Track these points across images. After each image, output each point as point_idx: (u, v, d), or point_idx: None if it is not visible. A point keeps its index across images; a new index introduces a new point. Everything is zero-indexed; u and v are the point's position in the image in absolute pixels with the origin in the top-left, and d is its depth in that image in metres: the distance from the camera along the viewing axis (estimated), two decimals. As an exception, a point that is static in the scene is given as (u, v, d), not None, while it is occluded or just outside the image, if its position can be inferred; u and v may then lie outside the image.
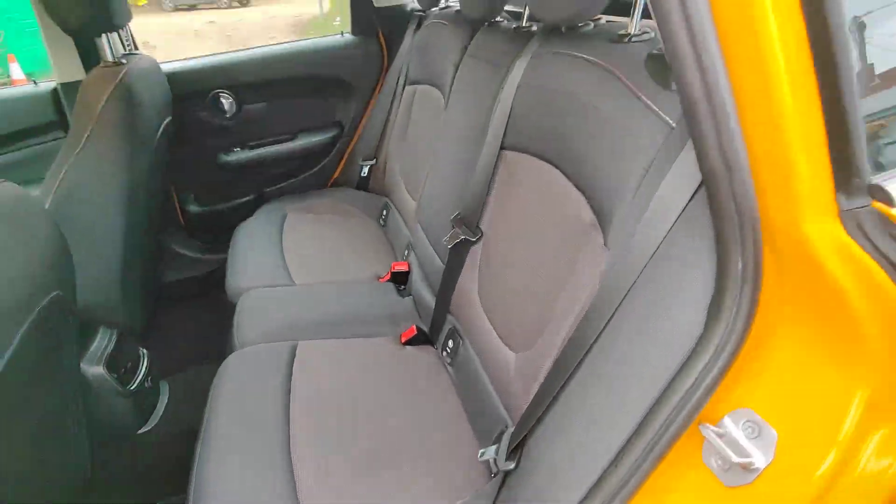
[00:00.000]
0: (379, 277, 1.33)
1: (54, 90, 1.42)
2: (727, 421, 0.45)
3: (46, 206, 0.89)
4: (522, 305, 0.82)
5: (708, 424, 0.45)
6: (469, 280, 0.99)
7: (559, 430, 0.59)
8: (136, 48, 1.50)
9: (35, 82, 1.45)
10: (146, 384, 1.09)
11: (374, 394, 0.94)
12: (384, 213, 1.59)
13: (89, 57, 1.33)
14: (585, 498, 0.50)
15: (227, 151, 1.67)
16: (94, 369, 0.96)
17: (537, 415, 0.63)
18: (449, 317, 1.06)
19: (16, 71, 6.17)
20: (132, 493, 1.08)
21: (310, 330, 1.08)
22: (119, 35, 1.30)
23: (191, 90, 1.51)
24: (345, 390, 0.94)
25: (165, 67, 1.40)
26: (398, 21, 1.63)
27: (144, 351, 1.13)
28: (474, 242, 0.98)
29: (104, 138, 0.99)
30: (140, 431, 1.06)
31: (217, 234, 1.60)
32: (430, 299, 1.12)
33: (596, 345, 0.57)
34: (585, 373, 0.58)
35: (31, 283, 0.62)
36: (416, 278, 1.22)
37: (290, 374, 0.95)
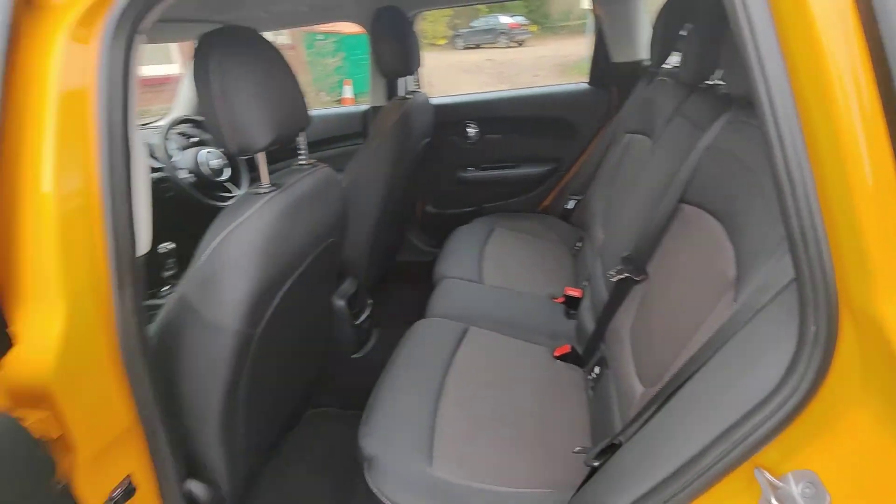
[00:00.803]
0: (554, 297, 1.49)
1: (365, 111, 2.04)
2: (790, 477, 0.48)
3: (343, 185, 1.35)
4: (660, 346, 0.88)
5: (766, 471, 0.49)
6: (625, 315, 1.07)
7: (641, 440, 0.67)
8: (420, 86, 2.02)
9: (355, 103, 2.12)
10: (365, 325, 1.49)
11: (516, 383, 1.11)
12: (578, 244, 1.74)
13: (391, 91, 1.88)
14: (634, 501, 0.59)
15: (464, 170, 2.07)
16: (339, 302, 1.39)
17: (634, 430, 0.72)
18: (602, 345, 1.16)
19: (347, 92, 8.36)
20: (337, 397, 1.50)
21: (482, 320, 1.32)
22: (409, 79, 1.80)
23: (448, 119, 1.95)
24: (494, 373, 1.13)
25: (434, 101, 1.86)
26: (631, 75, 1.76)
27: (371, 302, 1.54)
28: (637, 282, 1.05)
29: (383, 148, 1.43)
30: (353, 356, 1.47)
31: (442, 232, 1.99)
32: (590, 326, 1.23)
33: (691, 377, 0.63)
34: (676, 398, 0.65)
35: (326, 226, 1.00)
36: (585, 305, 1.34)
37: (457, 349, 1.19)
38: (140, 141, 0.67)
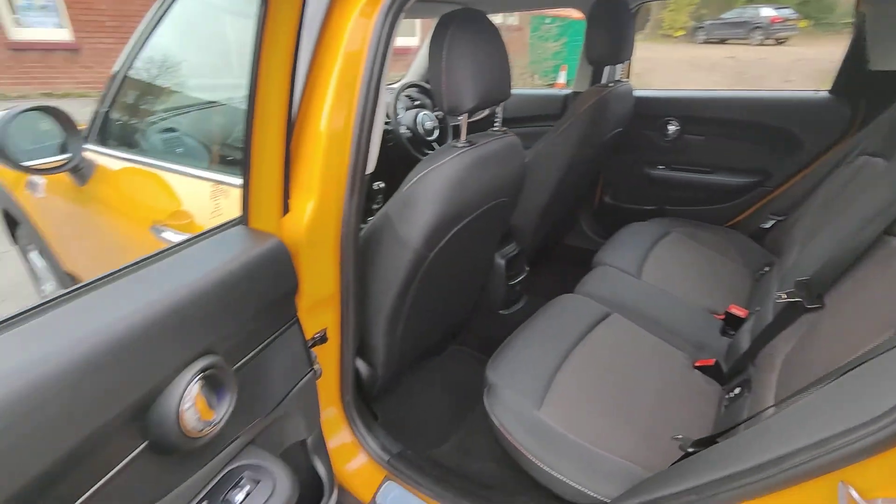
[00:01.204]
0: (714, 313, 1.41)
1: (566, 95, 2.12)
2: (879, 502, 0.48)
3: (526, 160, 1.49)
4: (811, 378, 0.83)
5: (851, 488, 0.50)
6: (784, 342, 1.00)
7: (737, 435, 0.69)
8: (627, 77, 2.01)
9: (562, 88, 2.21)
10: (517, 287, 1.65)
11: (643, 374, 1.13)
12: (765, 268, 1.58)
13: (595, 79, 1.93)
14: (708, 483, 0.62)
15: (653, 167, 2.02)
16: (500, 260, 1.57)
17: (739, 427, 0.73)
18: (751, 368, 1.10)
19: (561, 77, 8.40)
20: (477, 342, 1.70)
21: (627, 310, 1.34)
22: (616, 68, 1.82)
23: (648, 113, 1.91)
24: (623, 359, 1.17)
25: (638, 93, 1.84)
26: (890, 87, 1.47)
27: (527, 269, 1.68)
28: (809, 310, 0.97)
29: (572, 129, 1.52)
30: (500, 311, 1.64)
31: (614, 225, 1.99)
32: (744, 345, 1.16)
33: (810, 390, 0.62)
34: (788, 405, 0.64)
35: (502, 186, 1.16)
36: (746, 327, 1.25)
37: (594, 327, 1.26)
38: (384, 98, 0.91)
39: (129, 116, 1.49)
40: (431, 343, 1.48)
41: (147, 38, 1.35)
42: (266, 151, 0.74)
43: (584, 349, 1.17)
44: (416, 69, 2.38)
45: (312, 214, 0.82)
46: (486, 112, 1.09)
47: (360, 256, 0.96)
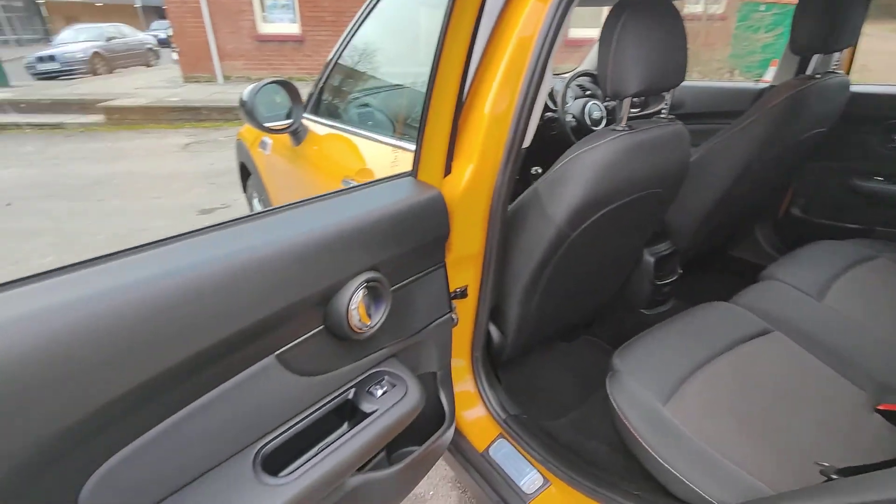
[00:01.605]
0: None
1: (761, 90, 1.88)
2: None
3: (692, 159, 1.39)
4: None
5: None
6: None
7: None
8: (848, 70, 1.70)
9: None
10: (665, 289, 1.56)
11: (799, 399, 1.01)
12: None
13: (800, 71, 1.67)
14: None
15: (866, 177, 1.69)
16: (649, 257, 1.51)
17: None
18: None
19: (769, 73, 7.25)
20: (612, 336, 1.66)
21: (793, 331, 1.19)
22: (832, 58, 1.55)
23: (868, 113, 1.60)
24: (777, 379, 1.06)
25: (856, 88, 1.55)
26: None
27: (680, 271, 1.58)
28: None
29: (754, 126, 1.36)
30: (643, 310, 1.58)
31: (799, 241, 1.73)
32: None
33: None
34: None
35: (657, 176, 1.13)
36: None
37: (745, 341, 1.15)
38: (547, 80, 0.96)
39: (335, 93, 1.82)
40: (563, 325, 1.50)
41: (355, 31, 1.64)
42: (438, 122, 0.86)
43: (731, 359, 1.08)
44: (591, 58, 2.36)
45: (470, 178, 0.92)
46: (661, 105, 1.07)
47: (506, 224, 1.04)
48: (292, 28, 8.89)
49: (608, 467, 1.18)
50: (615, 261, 1.40)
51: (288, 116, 1.61)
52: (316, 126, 1.71)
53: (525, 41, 0.88)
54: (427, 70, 0.83)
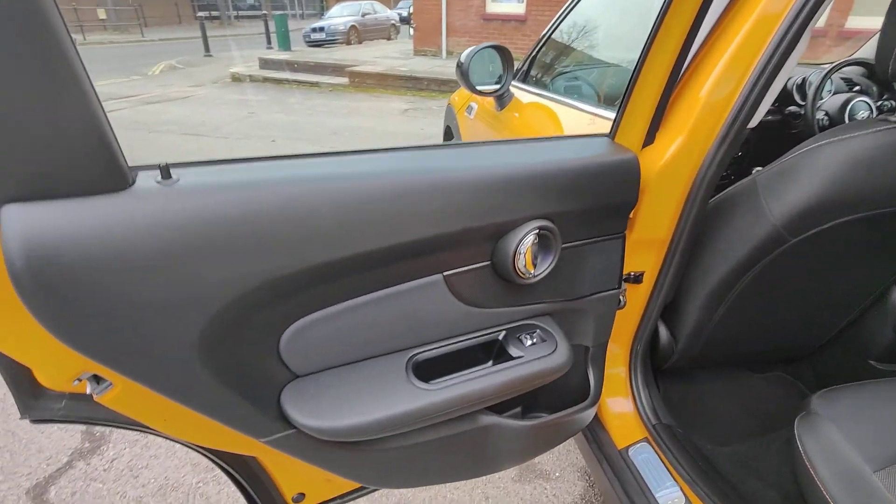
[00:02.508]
0: None
1: None
2: None
3: None
4: None
5: None
6: None
7: None
8: None
9: None
10: None
11: None
12: None
13: None
14: None
15: None
16: (897, 297, 1.18)
17: None
18: None
19: None
20: (816, 381, 1.36)
21: None
22: None
23: None
24: None
25: None
26: None
27: None
28: None
29: None
30: (874, 363, 1.26)
31: None
32: None
33: None
34: None
35: None
36: None
37: None
38: (789, 66, 0.79)
39: (544, 66, 1.85)
40: (751, 351, 1.29)
41: (571, 10, 1.70)
42: (647, 86, 0.80)
43: None
44: (868, 48, 1.89)
45: (675, 152, 0.83)
46: None
47: (703, 213, 0.92)
48: (518, 8, 9.10)
49: None
50: (845, 291, 1.13)
51: (497, 82, 1.68)
52: (521, 94, 1.75)
53: (767, 20, 0.75)
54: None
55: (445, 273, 0.68)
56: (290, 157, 0.60)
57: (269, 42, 11.80)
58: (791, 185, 0.86)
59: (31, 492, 1.43)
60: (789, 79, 1.72)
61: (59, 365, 0.51)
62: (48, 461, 1.52)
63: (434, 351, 0.72)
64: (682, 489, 0.95)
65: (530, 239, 0.68)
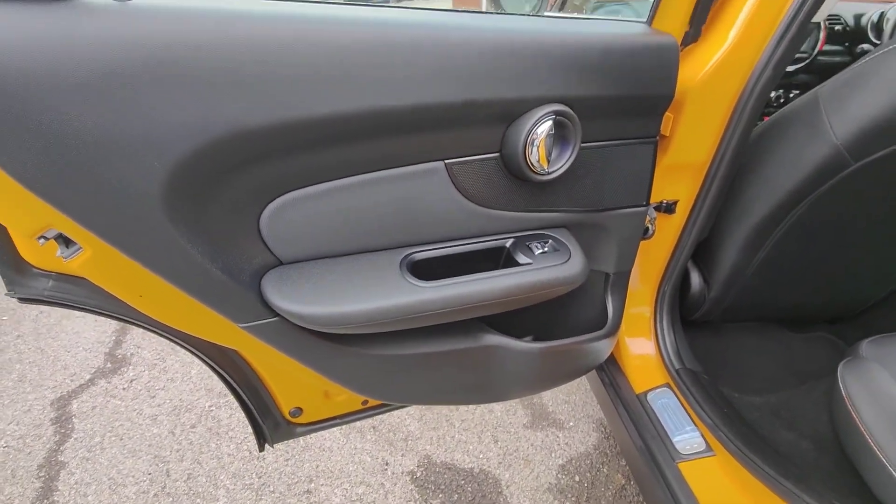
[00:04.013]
0: None
1: None
2: None
3: None
4: None
5: None
6: None
7: None
8: None
9: None
10: None
11: None
12: None
13: None
14: None
15: None
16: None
17: None
18: None
19: None
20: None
21: None
22: None
23: None
24: None
25: None
26: None
27: None
28: None
29: None
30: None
31: None
32: None
33: None
34: None
35: None
36: None
37: None
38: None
39: None
40: (791, 306, 1.17)
41: None
42: None
43: None
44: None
45: (725, 52, 0.72)
46: None
47: (748, 136, 0.81)
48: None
49: (796, 457, 0.91)
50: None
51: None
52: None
53: None
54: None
55: (447, 160, 0.61)
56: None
57: None
58: (857, 94, 0.74)
59: (55, 403, 1.48)
60: (863, 15, 1.52)
61: (23, 217, 0.48)
62: (72, 377, 1.58)
63: (433, 252, 0.66)
64: (702, 434, 0.87)
65: (545, 127, 0.60)
